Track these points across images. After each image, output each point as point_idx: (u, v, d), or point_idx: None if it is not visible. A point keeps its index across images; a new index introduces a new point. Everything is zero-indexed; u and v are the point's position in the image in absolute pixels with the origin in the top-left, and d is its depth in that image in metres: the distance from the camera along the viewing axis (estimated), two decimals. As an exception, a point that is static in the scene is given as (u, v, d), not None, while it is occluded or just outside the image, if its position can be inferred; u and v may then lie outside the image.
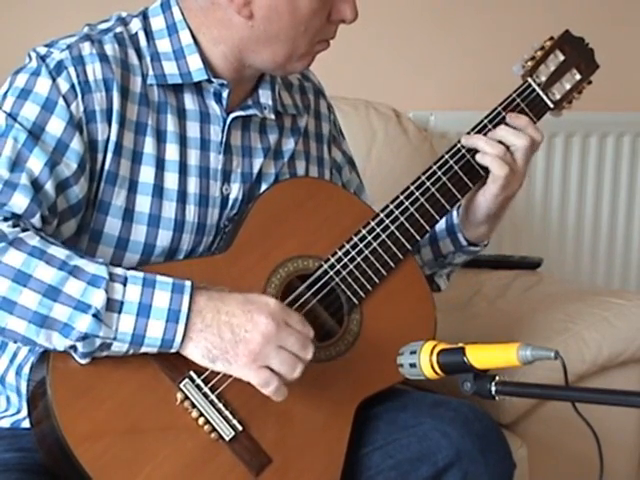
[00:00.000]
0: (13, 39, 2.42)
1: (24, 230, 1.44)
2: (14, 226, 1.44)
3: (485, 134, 1.73)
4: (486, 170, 1.73)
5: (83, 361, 1.44)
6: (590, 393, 1.32)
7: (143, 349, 1.44)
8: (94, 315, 1.40)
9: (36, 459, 1.51)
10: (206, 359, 1.45)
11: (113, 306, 1.41)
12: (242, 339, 1.45)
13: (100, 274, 1.42)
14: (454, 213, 1.81)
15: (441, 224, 1.81)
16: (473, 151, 1.73)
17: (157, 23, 1.63)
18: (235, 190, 1.66)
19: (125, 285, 1.43)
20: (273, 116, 1.69)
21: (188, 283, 1.45)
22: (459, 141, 1.74)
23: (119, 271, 1.45)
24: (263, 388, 1.46)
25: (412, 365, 1.35)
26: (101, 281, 1.42)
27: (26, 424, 1.57)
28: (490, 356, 1.30)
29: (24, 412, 1.57)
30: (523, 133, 1.72)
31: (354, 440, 1.61)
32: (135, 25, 1.63)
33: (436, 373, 1.34)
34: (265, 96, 1.68)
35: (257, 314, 1.46)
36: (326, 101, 1.86)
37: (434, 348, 1.35)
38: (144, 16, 1.65)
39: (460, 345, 1.33)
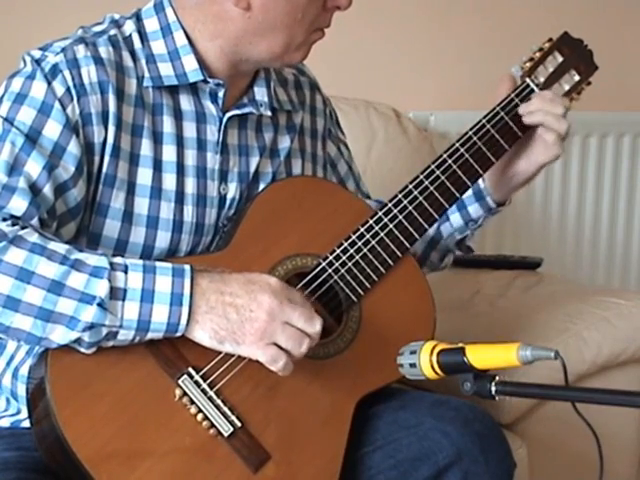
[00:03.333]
0: (6, 42, 2.42)
1: (23, 228, 1.45)
2: (13, 225, 1.44)
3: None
4: (484, 169, 1.74)
5: (89, 351, 1.45)
6: (590, 393, 1.32)
7: (149, 335, 1.45)
8: (99, 304, 1.41)
9: (36, 458, 1.51)
10: (214, 340, 1.46)
11: (117, 294, 1.42)
12: (248, 318, 1.46)
13: (101, 265, 1.43)
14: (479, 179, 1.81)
15: (468, 190, 1.82)
16: (471, 151, 1.74)
17: (151, 25, 1.63)
18: (232, 190, 1.67)
19: (126, 273, 1.44)
20: (269, 113, 1.69)
21: (187, 267, 1.47)
22: (457, 141, 1.74)
23: (119, 260, 1.46)
24: (271, 365, 1.47)
25: (412, 365, 1.35)
26: (103, 271, 1.43)
27: (26, 424, 1.57)
28: (490, 356, 1.30)
29: (23, 413, 1.58)
30: (561, 117, 1.73)
31: (354, 439, 1.61)
32: (129, 27, 1.63)
33: (436, 373, 1.34)
34: (261, 93, 1.69)
35: (260, 293, 1.47)
36: (322, 95, 1.86)
37: (434, 348, 1.35)
38: (137, 18, 1.65)
39: (460, 345, 1.33)
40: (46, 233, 1.47)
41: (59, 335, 1.42)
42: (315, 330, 1.49)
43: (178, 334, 1.46)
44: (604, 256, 3.22)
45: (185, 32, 1.61)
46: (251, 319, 1.46)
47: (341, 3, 1.62)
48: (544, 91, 1.76)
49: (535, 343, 1.28)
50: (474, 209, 1.83)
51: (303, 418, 1.57)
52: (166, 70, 1.61)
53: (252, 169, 1.69)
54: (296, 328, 1.47)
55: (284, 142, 1.74)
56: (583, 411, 1.31)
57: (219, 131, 1.64)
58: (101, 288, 1.42)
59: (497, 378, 1.30)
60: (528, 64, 1.79)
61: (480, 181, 1.80)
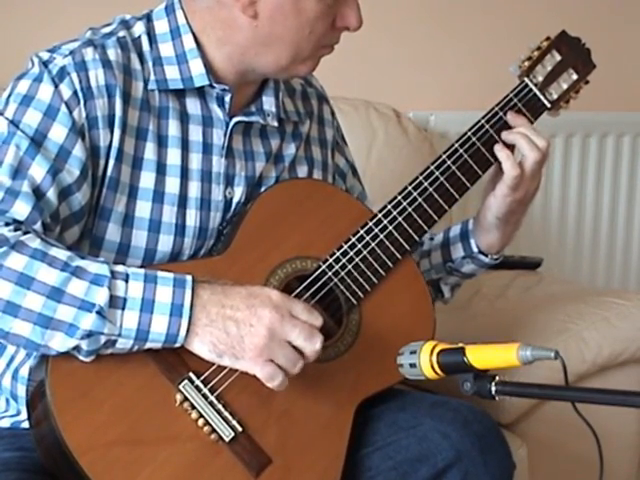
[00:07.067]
0: (15, 42, 2.42)
1: (25, 233, 1.44)
2: (15, 230, 1.44)
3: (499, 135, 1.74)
4: (484, 170, 1.74)
5: (87, 359, 1.44)
6: (590, 393, 1.32)
7: (148, 345, 1.45)
8: (98, 312, 1.40)
9: (36, 459, 1.51)
10: (213, 354, 1.46)
11: (116, 303, 1.42)
12: (247, 333, 1.45)
13: (102, 272, 1.43)
14: (470, 220, 1.81)
15: (456, 229, 1.82)
16: (470, 151, 1.73)
17: (161, 26, 1.63)
18: (239, 194, 1.66)
19: (127, 282, 1.44)
20: (276, 123, 1.69)
21: (189, 278, 1.46)
22: (456, 141, 1.74)
23: (120, 268, 1.45)
24: (268, 382, 1.47)
25: (412, 365, 1.35)
26: (103, 279, 1.42)
27: (26, 425, 1.57)
28: (490, 356, 1.30)
29: (23, 414, 1.57)
30: (537, 147, 1.71)
31: (354, 441, 1.61)
32: (138, 28, 1.63)
33: (436, 373, 1.34)
34: (269, 103, 1.68)
35: (261, 308, 1.46)
36: (329, 107, 1.86)
37: (434, 348, 1.35)
38: (148, 19, 1.65)
39: (460, 345, 1.33)
40: (49, 239, 1.47)
41: (58, 342, 1.41)
42: (314, 348, 1.48)
43: (177, 345, 1.46)
44: (604, 256, 3.22)
45: (194, 36, 1.61)
46: (251, 334, 1.46)
47: (351, 24, 1.61)
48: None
49: (535, 343, 1.28)
50: (455, 249, 1.82)
51: (304, 422, 1.56)
52: (172, 73, 1.61)
53: (257, 174, 1.69)
54: (294, 347, 1.47)
55: (289, 149, 1.74)
56: (583, 411, 1.31)
57: (225, 135, 1.64)
58: (101, 296, 1.41)
59: (497, 378, 1.31)
60: (526, 63, 1.79)
61: (470, 222, 1.81)
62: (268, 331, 1.45)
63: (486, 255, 1.81)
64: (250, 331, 1.45)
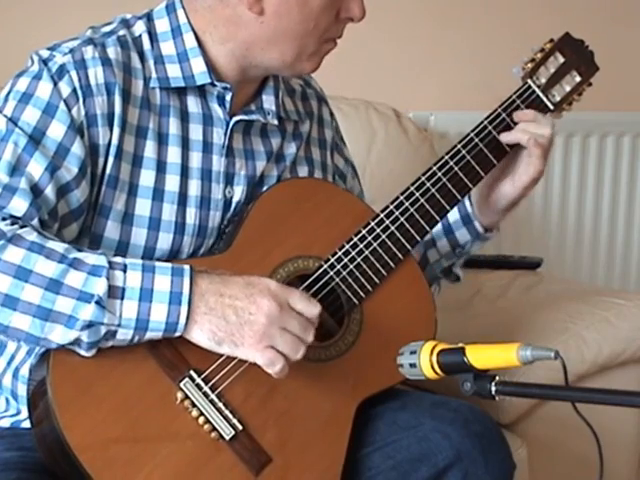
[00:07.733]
0: (15, 42, 2.42)
1: (22, 227, 1.45)
2: (12, 224, 1.44)
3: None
4: (486, 171, 1.74)
5: (88, 354, 1.44)
6: (590, 393, 1.32)
7: (148, 334, 1.45)
8: (97, 302, 1.41)
9: (36, 458, 1.51)
10: (212, 342, 1.46)
11: (115, 293, 1.42)
12: (247, 321, 1.46)
13: (100, 263, 1.43)
14: (466, 202, 1.82)
15: (455, 215, 1.83)
16: (473, 152, 1.74)
17: (161, 26, 1.63)
18: (239, 193, 1.67)
19: (125, 272, 1.44)
20: (276, 122, 1.69)
21: (187, 267, 1.47)
22: (459, 142, 1.74)
23: (118, 259, 1.46)
24: (268, 368, 1.47)
25: (412, 365, 1.36)
26: (101, 270, 1.43)
27: (26, 424, 1.57)
28: (490, 356, 1.30)
29: (24, 414, 1.58)
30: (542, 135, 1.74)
31: (354, 440, 1.61)
32: (139, 28, 1.63)
33: (436, 373, 1.34)
34: (269, 102, 1.68)
35: (259, 297, 1.47)
36: (328, 108, 1.87)
37: (434, 348, 1.35)
38: (149, 18, 1.65)
39: (460, 345, 1.33)
40: (45, 232, 1.47)
41: (58, 335, 1.42)
42: (307, 340, 1.49)
43: (177, 334, 1.46)
44: (604, 256, 3.22)
45: (195, 34, 1.61)
46: (250, 322, 1.46)
47: (355, 14, 1.61)
48: (526, 110, 1.76)
49: (535, 343, 1.28)
50: (461, 234, 1.84)
51: (304, 421, 1.57)
52: (174, 71, 1.61)
53: (258, 173, 1.69)
54: (293, 334, 1.48)
55: (290, 149, 1.74)
56: (583, 411, 1.31)
57: (225, 134, 1.64)
58: (99, 286, 1.42)
59: (497, 378, 1.31)
60: (529, 65, 1.79)
61: (468, 205, 1.82)
62: (267, 319, 1.46)
63: (491, 230, 1.84)
64: (249, 319, 1.46)
